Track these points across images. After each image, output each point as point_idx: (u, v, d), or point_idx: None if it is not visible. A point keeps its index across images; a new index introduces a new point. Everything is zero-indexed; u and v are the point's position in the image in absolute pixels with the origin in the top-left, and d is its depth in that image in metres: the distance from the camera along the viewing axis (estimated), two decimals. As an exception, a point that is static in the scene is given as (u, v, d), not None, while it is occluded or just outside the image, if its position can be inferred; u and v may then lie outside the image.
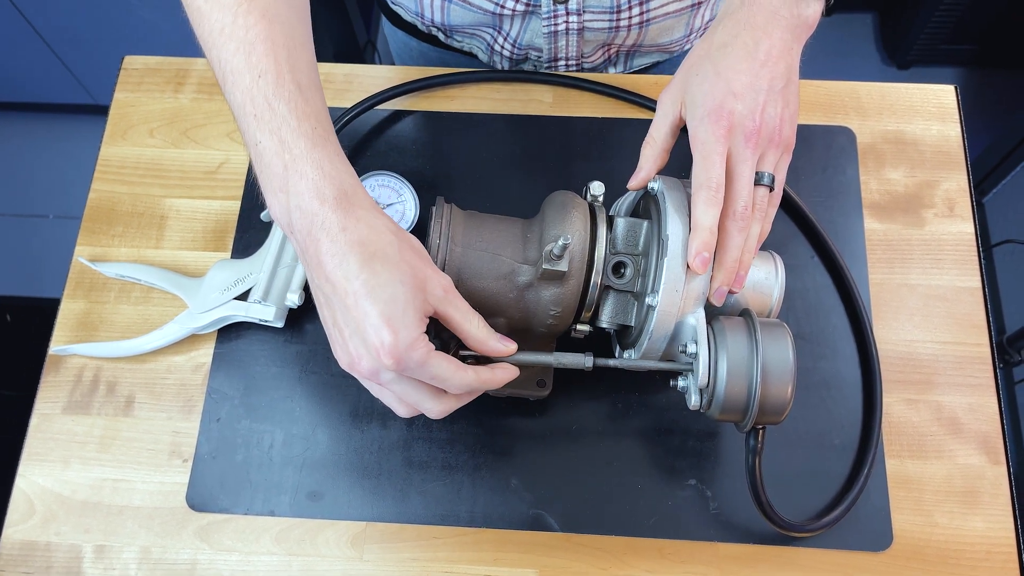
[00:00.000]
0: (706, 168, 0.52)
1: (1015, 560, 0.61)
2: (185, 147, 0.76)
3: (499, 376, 0.53)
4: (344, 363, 0.50)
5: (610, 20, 0.76)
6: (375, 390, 0.52)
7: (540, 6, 0.75)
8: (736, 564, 0.61)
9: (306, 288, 0.67)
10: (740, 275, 0.54)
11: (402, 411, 0.53)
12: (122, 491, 0.64)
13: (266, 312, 0.65)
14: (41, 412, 0.67)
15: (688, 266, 0.52)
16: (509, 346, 0.53)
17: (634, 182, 0.59)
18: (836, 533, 0.61)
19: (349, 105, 0.75)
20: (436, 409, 0.52)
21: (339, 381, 0.67)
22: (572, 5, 0.74)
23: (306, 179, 0.47)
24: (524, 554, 0.62)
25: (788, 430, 0.64)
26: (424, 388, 0.50)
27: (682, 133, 0.58)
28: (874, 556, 0.61)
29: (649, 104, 0.75)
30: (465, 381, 0.50)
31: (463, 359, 0.55)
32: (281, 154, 0.48)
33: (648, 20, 0.77)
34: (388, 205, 0.70)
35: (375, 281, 0.46)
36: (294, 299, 0.66)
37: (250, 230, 0.72)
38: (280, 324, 0.67)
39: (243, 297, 0.66)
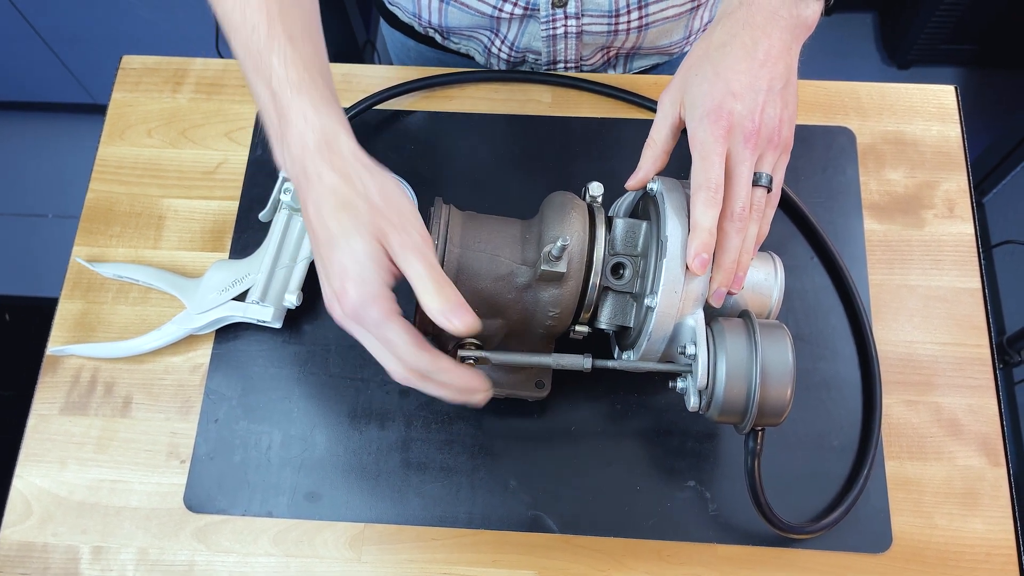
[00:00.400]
0: (705, 168, 0.52)
1: (1015, 562, 0.61)
2: (183, 147, 0.76)
3: (457, 377, 0.50)
4: (326, 306, 0.50)
5: (609, 24, 0.76)
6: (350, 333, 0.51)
7: (538, 10, 0.75)
8: (735, 566, 0.61)
9: (304, 289, 0.67)
10: (739, 276, 0.54)
11: (375, 355, 0.51)
12: (119, 492, 0.64)
13: (264, 313, 0.65)
14: (38, 413, 0.66)
15: (687, 267, 0.52)
16: (462, 321, 0.47)
17: (632, 182, 0.59)
18: (835, 535, 0.61)
19: (348, 105, 0.74)
20: (395, 371, 0.50)
21: (337, 382, 0.66)
22: (571, 9, 0.74)
23: (292, 127, 0.49)
24: (523, 555, 0.62)
25: (787, 431, 0.64)
26: (382, 346, 0.50)
27: (682, 135, 0.58)
28: (873, 558, 0.61)
29: (648, 104, 0.75)
30: (415, 359, 0.48)
31: (462, 359, 0.55)
32: (274, 104, 0.50)
33: (647, 24, 0.77)
34: None
35: (341, 231, 0.47)
36: (292, 300, 0.66)
37: (248, 230, 0.72)
38: (278, 325, 0.67)
39: (241, 298, 0.66)
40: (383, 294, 0.47)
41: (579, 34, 0.77)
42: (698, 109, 0.53)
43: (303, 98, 0.49)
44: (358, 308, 0.47)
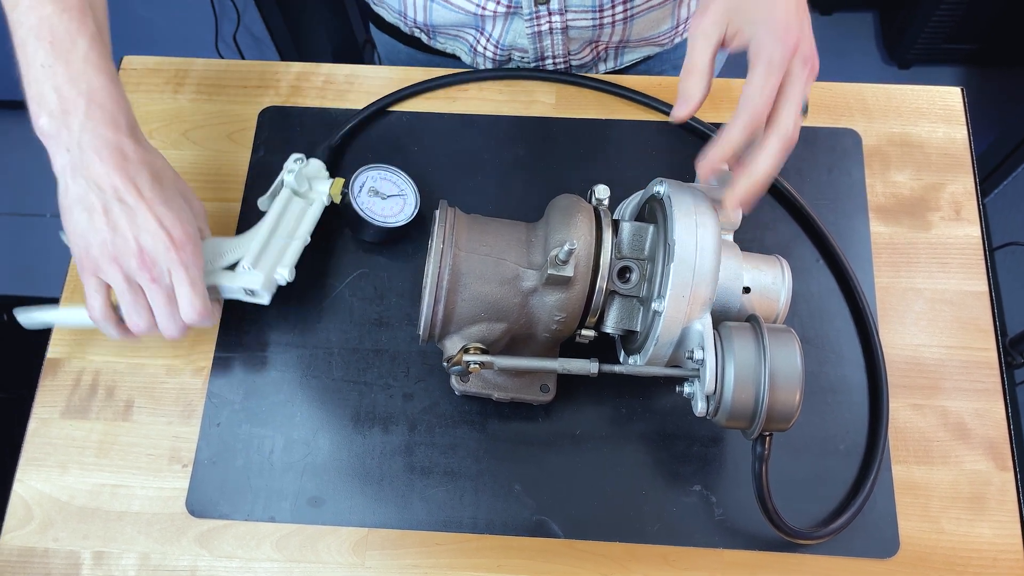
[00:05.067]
0: (766, 84, 0.52)
1: (1022, 567, 0.60)
2: (184, 148, 0.75)
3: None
4: None
5: (593, 18, 0.76)
6: None
7: (521, 7, 0.74)
8: (741, 571, 0.61)
9: (297, 267, 0.65)
10: (759, 192, 0.54)
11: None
12: (121, 497, 0.63)
13: (253, 280, 0.62)
14: (39, 416, 0.66)
15: (696, 167, 0.53)
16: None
17: (683, 112, 0.56)
18: (842, 540, 0.61)
19: (349, 106, 0.74)
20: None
21: (340, 386, 0.66)
22: (554, 5, 0.74)
23: None
24: (527, 560, 0.61)
25: (793, 435, 0.63)
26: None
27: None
28: (880, 563, 0.61)
29: (654, 104, 0.74)
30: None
31: (467, 364, 0.55)
32: None
33: (632, 15, 0.77)
34: (389, 196, 0.69)
35: None
36: (284, 274, 0.64)
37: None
38: (267, 299, 0.64)
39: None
40: None
41: (564, 29, 0.77)
42: (762, 25, 0.53)
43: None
44: None
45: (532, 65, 0.83)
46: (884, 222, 0.71)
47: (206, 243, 0.64)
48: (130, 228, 0.55)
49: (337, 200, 0.68)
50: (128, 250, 0.55)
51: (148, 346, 0.68)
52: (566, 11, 0.75)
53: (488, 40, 0.80)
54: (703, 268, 0.52)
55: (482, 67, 0.85)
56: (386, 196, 0.69)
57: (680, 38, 0.86)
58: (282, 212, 0.66)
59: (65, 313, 0.66)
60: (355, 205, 0.67)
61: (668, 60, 0.89)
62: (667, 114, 0.74)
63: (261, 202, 0.69)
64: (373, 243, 0.71)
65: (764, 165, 0.53)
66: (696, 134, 0.74)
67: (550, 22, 0.76)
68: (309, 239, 0.67)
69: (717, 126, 0.73)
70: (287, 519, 0.62)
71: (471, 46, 0.82)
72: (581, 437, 0.64)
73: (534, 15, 0.75)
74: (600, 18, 0.76)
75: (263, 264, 0.64)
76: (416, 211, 0.69)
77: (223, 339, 0.68)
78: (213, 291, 0.63)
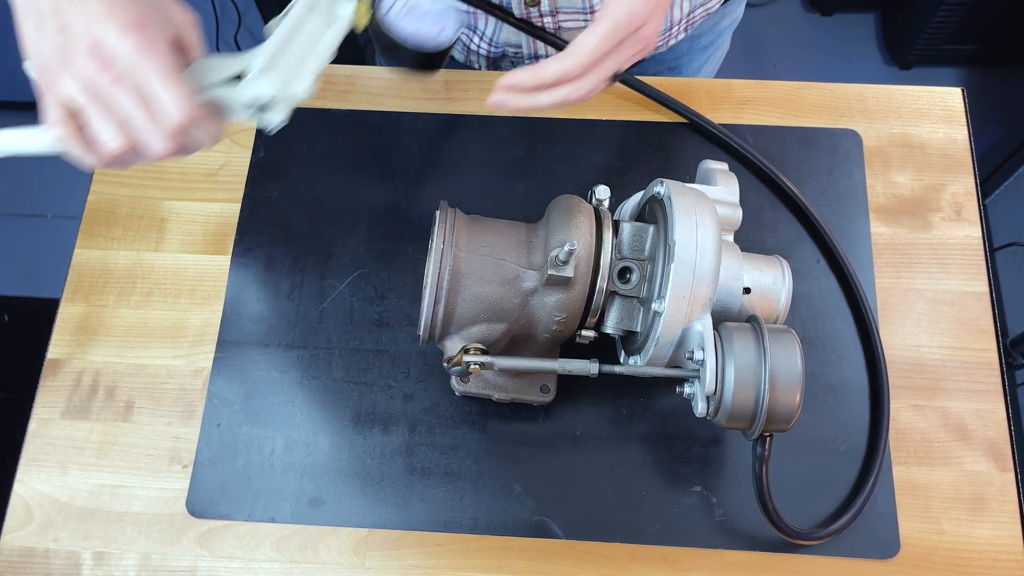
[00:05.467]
0: (602, 45, 0.54)
1: (1023, 568, 0.60)
2: (185, 149, 0.75)
3: None
4: None
5: (584, 19, 0.76)
6: None
7: (511, 10, 0.74)
8: (741, 572, 0.61)
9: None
10: (521, 110, 0.57)
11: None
12: (121, 497, 0.63)
13: (266, 86, 0.49)
14: (40, 417, 0.66)
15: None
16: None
17: None
18: (843, 540, 0.61)
19: (350, 107, 0.74)
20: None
21: (340, 386, 0.66)
22: (544, 7, 0.74)
23: None
24: (527, 561, 0.61)
25: (794, 436, 0.63)
26: None
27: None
28: (881, 564, 0.61)
29: (657, 97, 0.74)
30: None
31: (467, 364, 0.55)
32: None
33: None
34: (425, 15, 0.62)
35: None
36: (309, 82, 0.51)
37: (250, 232, 0.71)
38: (282, 116, 0.51)
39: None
40: None
41: (557, 30, 0.77)
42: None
43: None
44: None
45: (525, 62, 0.82)
46: (885, 223, 0.71)
47: (199, 61, 0.50)
48: (80, 23, 0.46)
49: (361, 26, 0.55)
50: (80, 48, 0.46)
51: (148, 345, 0.68)
52: (557, 12, 0.75)
53: (482, 38, 0.80)
54: (703, 268, 0.52)
55: (476, 65, 0.85)
56: (422, 15, 0.61)
57: (674, 39, 0.86)
58: (297, 25, 0.52)
59: (18, 136, 0.54)
60: (383, 23, 0.59)
61: (663, 62, 0.89)
62: (669, 109, 0.74)
63: (271, 23, 0.53)
64: (410, 69, 0.64)
65: (542, 100, 0.56)
66: (700, 132, 0.74)
67: (542, 23, 0.76)
68: (330, 60, 0.53)
69: (725, 126, 0.73)
70: (287, 519, 0.62)
71: (464, 44, 0.82)
72: (581, 438, 0.64)
73: (525, 16, 0.75)
74: (591, 18, 0.76)
75: (281, 68, 0.50)
76: (458, 33, 0.63)
77: (223, 339, 0.68)
78: (213, 111, 0.50)
